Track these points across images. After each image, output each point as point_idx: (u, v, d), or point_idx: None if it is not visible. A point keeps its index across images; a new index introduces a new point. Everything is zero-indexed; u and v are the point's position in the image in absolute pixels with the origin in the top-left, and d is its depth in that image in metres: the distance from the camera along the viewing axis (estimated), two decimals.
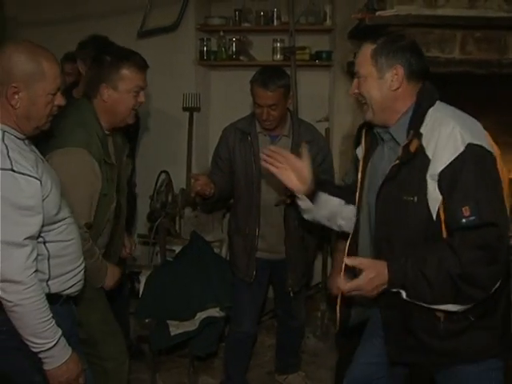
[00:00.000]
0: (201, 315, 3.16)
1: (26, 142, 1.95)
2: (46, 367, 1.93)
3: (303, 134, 2.99)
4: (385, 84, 1.96)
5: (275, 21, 4.25)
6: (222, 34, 4.33)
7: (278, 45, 4.24)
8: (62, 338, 1.93)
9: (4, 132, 1.84)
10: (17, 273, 1.78)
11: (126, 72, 2.35)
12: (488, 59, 3.23)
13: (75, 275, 2.07)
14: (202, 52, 4.34)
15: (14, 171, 1.77)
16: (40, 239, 1.90)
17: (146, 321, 3.21)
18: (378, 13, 3.18)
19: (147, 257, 3.82)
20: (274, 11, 4.23)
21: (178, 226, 3.93)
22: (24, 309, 1.81)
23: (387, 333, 2.08)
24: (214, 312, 3.18)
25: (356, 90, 2.03)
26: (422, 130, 1.91)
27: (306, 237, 3.10)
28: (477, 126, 1.95)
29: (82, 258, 2.11)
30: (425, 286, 1.82)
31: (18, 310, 1.81)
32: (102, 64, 2.37)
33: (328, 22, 4.18)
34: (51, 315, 1.88)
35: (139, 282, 3.48)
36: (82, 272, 2.12)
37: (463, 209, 1.79)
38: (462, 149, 1.81)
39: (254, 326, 3.21)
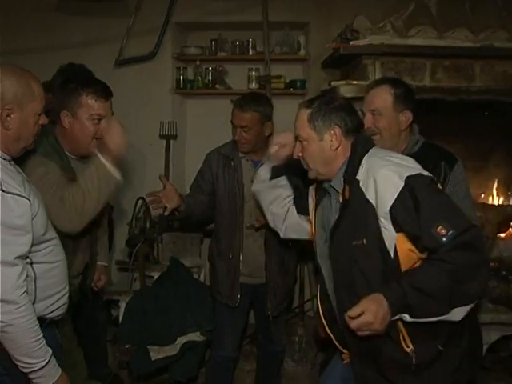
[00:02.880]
0: (181, 340, 3.16)
1: (12, 163, 1.96)
2: None
3: None
4: (325, 145, 2.06)
5: (250, 50, 4.34)
6: (198, 63, 4.40)
7: (254, 73, 4.33)
8: (53, 357, 1.92)
9: None
10: (9, 292, 1.78)
11: (85, 99, 2.37)
12: (457, 86, 3.37)
13: (60, 298, 2.06)
14: (178, 81, 4.40)
15: (3, 191, 1.79)
16: (27, 260, 1.90)
17: (126, 347, 3.19)
18: (351, 42, 3.29)
19: (126, 283, 3.81)
20: (249, 41, 4.33)
21: (156, 252, 3.94)
22: (16, 328, 1.80)
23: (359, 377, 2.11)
24: (195, 336, 3.19)
25: (299, 154, 2.12)
26: (359, 176, 1.99)
27: (287, 260, 3.13)
28: (408, 160, 2.02)
29: (66, 282, 2.10)
30: (427, 299, 1.84)
31: (11, 330, 1.80)
32: (65, 91, 2.41)
33: (302, 51, 4.29)
34: (42, 334, 1.87)
35: (118, 308, 3.47)
36: (67, 296, 2.11)
37: (437, 229, 1.83)
38: (402, 184, 1.88)
39: (236, 350, 3.21)
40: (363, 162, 2.01)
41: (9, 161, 1.94)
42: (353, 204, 1.98)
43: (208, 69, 4.41)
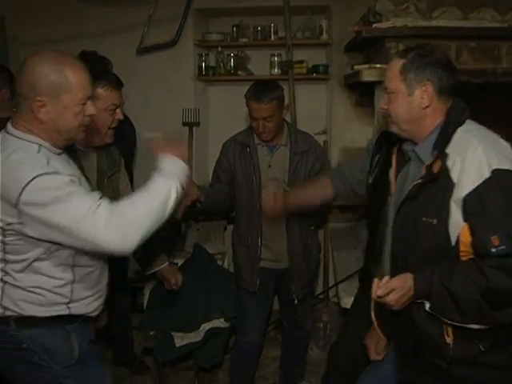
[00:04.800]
0: (205, 326, 3.18)
1: (63, 155, 1.93)
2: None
3: (300, 143, 3.04)
4: (414, 101, 1.90)
5: (272, 36, 4.31)
6: (220, 49, 4.38)
7: (276, 59, 4.29)
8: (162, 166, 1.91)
9: (40, 146, 1.81)
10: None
11: (100, 91, 2.43)
12: (483, 68, 3.29)
13: (95, 300, 2.04)
14: (200, 67, 4.39)
15: (57, 173, 1.75)
16: (69, 262, 1.89)
17: (151, 333, 3.22)
18: (374, 25, 3.24)
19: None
20: (271, 26, 4.29)
21: (180, 239, 3.95)
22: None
23: (398, 351, 2.08)
24: (219, 323, 3.20)
25: (385, 106, 1.99)
26: (449, 150, 1.85)
27: (309, 244, 3.13)
28: (506, 149, 1.87)
29: (103, 283, 2.08)
30: (449, 300, 1.80)
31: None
32: None
33: (324, 35, 4.24)
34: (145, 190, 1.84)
35: (143, 296, 3.49)
36: (102, 297, 2.09)
37: (492, 238, 1.74)
38: (487, 175, 1.75)
39: (260, 335, 3.22)
40: (456, 134, 1.87)
41: (58, 154, 1.89)
42: (438, 180, 1.84)
43: (230, 55, 4.39)
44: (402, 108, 1.93)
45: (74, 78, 1.80)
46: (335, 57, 4.19)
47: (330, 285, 4.11)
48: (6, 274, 1.84)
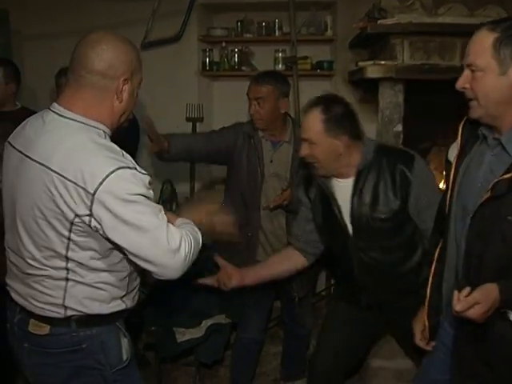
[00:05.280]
0: (207, 322, 3.17)
1: None
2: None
3: None
4: (507, 81, 1.68)
5: (277, 31, 4.30)
6: (224, 44, 4.38)
7: (280, 55, 4.28)
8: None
9: (104, 133, 1.74)
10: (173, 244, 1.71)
11: None
12: None
13: (137, 290, 1.97)
14: (204, 63, 4.38)
15: (137, 170, 1.68)
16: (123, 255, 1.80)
17: (153, 328, 3.21)
18: (379, 21, 3.22)
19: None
20: (275, 22, 4.28)
21: None
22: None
23: (456, 359, 1.93)
24: (220, 319, 3.19)
25: (467, 85, 1.75)
26: None
27: None
28: None
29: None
30: None
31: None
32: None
33: (329, 32, 4.23)
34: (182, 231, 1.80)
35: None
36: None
37: None
38: None
39: (261, 332, 3.22)
40: None
41: None
42: None
43: (234, 50, 4.39)
44: (493, 88, 1.70)
45: (139, 57, 1.78)
46: (340, 53, 4.18)
47: (333, 281, 4.10)
48: (70, 271, 1.75)
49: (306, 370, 3.48)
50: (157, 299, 3.26)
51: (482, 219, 1.77)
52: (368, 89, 3.88)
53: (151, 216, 1.67)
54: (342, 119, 2.31)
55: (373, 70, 3.28)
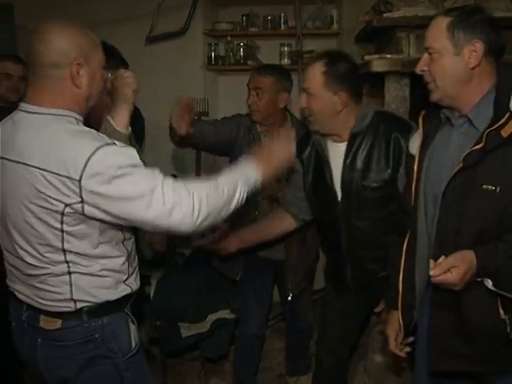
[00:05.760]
0: (212, 317, 3.16)
1: None
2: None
3: None
4: (461, 61, 1.79)
5: (282, 25, 4.29)
6: (229, 38, 4.37)
7: (286, 49, 4.28)
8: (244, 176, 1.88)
9: (76, 120, 1.73)
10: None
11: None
12: None
13: (137, 272, 1.97)
14: (209, 57, 4.37)
15: (115, 144, 1.68)
16: (120, 237, 1.82)
17: (158, 323, 3.21)
18: (385, 15, 3.19)
19: (158, 259, 3.83)
20: (280, 16, 4.27)
21: None
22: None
23: (432, 337, 1.93)
24: (225, 314, 3.18)
25: (425, 68, 1.87)
26: None
27: (308, 238, 3.06)
28: None
29: (136, 256, 2.02)
30: None
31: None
32: None
33: (335, 25, 4.21)
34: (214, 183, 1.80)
35: (149, 285, 3.49)
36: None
37: None
38: None
39: (261, 327, 3.19)
40: None
41: None
42: (506, 145, 1.72)
43: (239, 44, 4.38)
44: (449, 68, 1.82)
45: (96, 39, 1.76)
46: (345, 47, 4.15)
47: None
48: (71, 263, 1.75)
49: (310, 365, 3.48)
50: (161, 294, 3.26)
51: (454, 192, 1.81)
52: (374, 83, 3.84)
53: (144, 182, 1.65)
54: (343, 76, 2.31)
55: (379, 64, 3.24)
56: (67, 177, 1.60)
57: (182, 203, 1.67)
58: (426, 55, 1.87)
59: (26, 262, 1.76)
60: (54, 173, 1.61)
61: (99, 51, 1.77)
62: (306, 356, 3.46)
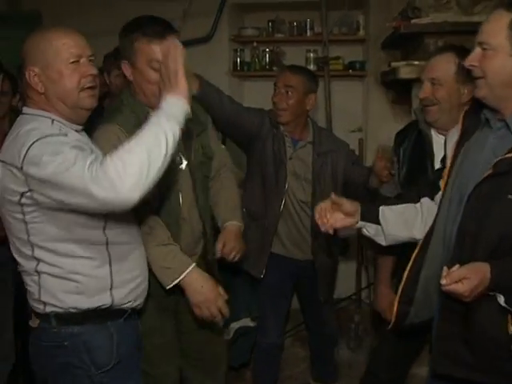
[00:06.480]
0: (235, 325, 3.15)
1: (82, 134, 1.89)
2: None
3: (324, 142, 3.00)
4: None
5: (308, 31, 4.27)
6: (255, 44, 4.36)
7: (312, 55, 4.24)
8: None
9: (53, 120, 1.79)
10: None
11: (138, 44, 2.11)
12: None
13: (136, 287, 1.92)
14: (235, 63, 4.37)
15: (64, 136, 1.73)
16: (101, 239, 1.81)
17: None
18: (413, 21, 3.16)
19: None
20: (306, 22, 4.25)
21: None
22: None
23: (438, 340, 1.89)
24: (248, 322, 3.17)
25: (475, 63, 1.76)
26: None
27: (330, 240, 2.98)
28: None
29: (143, 269, 1.98)
30: None
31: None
32: (120, 37, 2.22)
33: (361, 31, 4.18)
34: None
35: None
36: (144, 286, 1.98)
37: None
38: None
39: (279, 336, 3.15)
40: None
41: (78, 131, 1.86)
42: None
43: (265, 50, 4.37)
44: (502, 68, 1.72)
45: (59, 39, 1.78)
46: (372, 53, 4.12)
47: (363, 285, 4.05)
48: (40, 262, 1.77)
49: (337, 373, 3.43)
50: None
51: (480, 197, 1.76)
52: (401, 90, 3.81)
53: (68, 160, 1.62)
54: None
55: (406, 71, 3.22)
56: (15, 166, 1.67)
57: (116, 174, 1.56)
58: (478, 50, 1.76)
59: (15, 256, 1.84)
60: (8, 163, 1.70)
61: (62, 52, 1.76)
62: (332, 363, 3.41)
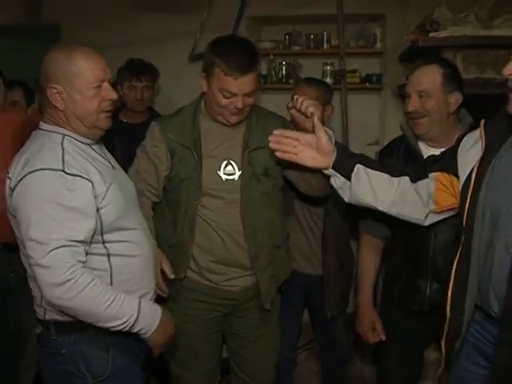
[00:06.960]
0: None
1: (95, 147, 1.93)
2: (145, 337, 1.87)
3: None
4: None
5: (325, 44, 4.26)
6: (271, 57, 4.36)
7: (328, 68, 4.24)
8: (144, 303, 1.84)
9: (64, 136, 1.83)
10: (59, 275, 1.69)
11: (216, 70, 2.20)
12: None
13: (141, 297, 1.90)
14: None
15: (65, 172, 1.73)
16: (103, 251, 1.82)
17: None
18: (431, 34, 3.14)
19: None
20: (323, 34, 4.25)
21: None
22: (82, 303, 1.73)
23: (496, 376, 1.76)
24: None
25: None
26: None
27: (343, 254, 2.99)
28: None
29: (149, 281, 1.98)
30: None
31: (76, 307, 1.74)
32: (207, 50, 2.33)
33: (378, 44, 4.17)
34: (115, 293, 1.77)
35: None
36: (150, 297, 1.98)
37: None
38: None
39: (292, 350, 3.11)
40: None
41: (89, 145, 1.90)
42: None
43: (282, 63, 4.36)
44: None
45: (84, 61, 1.81)
46: (389, 66, 4.11)
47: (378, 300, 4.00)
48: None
49: None
50: None
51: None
52: None
53: (44, 230, 1.70)
54: (456, 77, 2.35)
55: None
56: (10, 178, 1.79)
57: (62, 270, 1.69)
58: None
59: (23, 262, 1.88)
60: (9, 176, 1.80)
61: (86, 74, 1.81)
62: (343, 380, 3.35)
